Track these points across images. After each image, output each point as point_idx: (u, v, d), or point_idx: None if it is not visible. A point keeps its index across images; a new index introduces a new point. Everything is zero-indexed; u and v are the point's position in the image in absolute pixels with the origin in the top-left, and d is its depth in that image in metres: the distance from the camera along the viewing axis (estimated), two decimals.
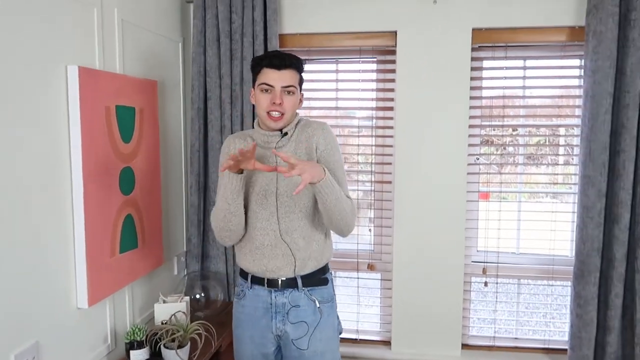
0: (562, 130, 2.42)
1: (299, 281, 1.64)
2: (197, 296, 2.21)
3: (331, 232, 1.72)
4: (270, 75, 1.57)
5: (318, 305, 1.64)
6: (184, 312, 1.87)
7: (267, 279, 1.64)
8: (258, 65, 1.60)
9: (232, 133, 2.30)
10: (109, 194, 1.70)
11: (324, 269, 1.70)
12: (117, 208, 1.75)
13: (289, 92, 1.58)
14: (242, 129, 2.30)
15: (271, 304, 1.65)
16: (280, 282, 1.64)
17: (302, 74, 1.65)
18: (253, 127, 1.71)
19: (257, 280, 1.66)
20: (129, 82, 1.83)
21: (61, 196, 1.52)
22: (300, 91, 1.66)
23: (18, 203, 1.35)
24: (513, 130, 2.41)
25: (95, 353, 1.70)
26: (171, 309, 1.87)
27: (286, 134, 1.64)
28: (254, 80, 1.63)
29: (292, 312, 1.64)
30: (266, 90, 1.57)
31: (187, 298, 1.99)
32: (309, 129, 1.65)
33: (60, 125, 1.51)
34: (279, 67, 1.56)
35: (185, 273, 2.38)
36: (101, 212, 1.65)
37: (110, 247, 1.71)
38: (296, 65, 1.60)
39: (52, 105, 1.47)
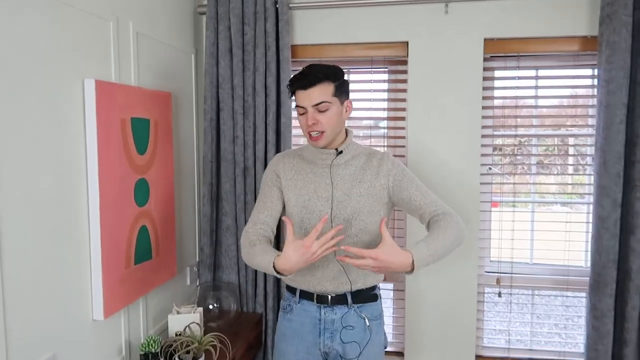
0: (573, 140, 2.41)
1: (349, 298, 1.61)
2: (210, 307, 2.21)
3: None
4: (300, 97, 1.55)
5: (368, 323, 1.62)
6: (197, 323, 1.87)
7: (317, 294, 1.63)
8: (290, 89, 1.59)
9: (244, 144, 2.31)
10: (125, 206, 1.71)
11: (375, 285, 1.69)
12: (133, 219, 1.76)
13: (321, 110, 1.53)
14: (254, 140, 2.30)
15: (320, 320, 1.63)
16: (330, 298, 1.62)
17: (341, 82, 1.57)
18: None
19: (305, 295, 1.65)
20: (144, 94, 1.84)
21: (78, 208, 1.53)
22: (344, 99, 1.60)
23: (35, 215, 1.36)
24: (524, 140, 2.40)
25: None
26: (185, 320, 1.87)
27: (341, 152, 1.63)
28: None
29: (343, 332, 1.61)
30: (302, 113, 1.57)
31: (201, 309, 1.99)
32: (374, 159, 1.65)
33: (77, 138, 1.52)
34: (305, 87, 1.53)
35: (198, 284, 2.38)
36: (117, 224, 1.66)
37: (125, 258, 1.71)
38: (326, 77, 1.53)
39: (69, 118, 1.49)
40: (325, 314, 1.62)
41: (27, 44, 1.32)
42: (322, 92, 1.52)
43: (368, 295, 1.65)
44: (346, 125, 1.73)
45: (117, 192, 1.66)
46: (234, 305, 2.28)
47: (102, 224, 1.57)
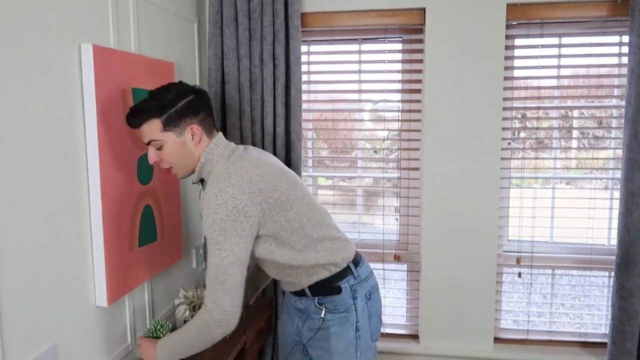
0: (598, 113, 2.29)
1: (307, 291, 1.56)
2: None
3: (316, 238, 1.52)
4: (138, 133, 1.46)
5: (323, 315, 1.52)
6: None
7: None
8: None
9: (251, 119, 2.18)
10: (127, 184, 1.58)
11: (336, 277, 1.53)
12: (136, 198, 1.64)
13: (157, 147, 1.43)
14: (262, 114, 2.17)
15: (294, 307, 1.66)
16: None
17: (169, 114, 1.39)
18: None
19: None
20: (145, 63, 1.70)
21: (77, 186, 1.40)
22: (184, 127, 1.40)
23: (30, 195, 1.23)
24: (546, 113, 2.27)
25: (115, 354, 1.59)
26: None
27: (200, 183, 1.53)
28: None
29: (308, 320, 1.59)
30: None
31: None
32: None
33: (74, 109, 1.38)
34: (133, 127, 1.45)
35: (204, 267, 2.27)
36: (119, 203, 1.54)
37: (129, 240, 1.59)
38: (151, 115, 1.38)
39: (65, 87, 1.35)
40: (295, 302, 1.63)
41: (18, 4, 1.17)
42: (149, 131, 1.41)
43: (328, 288, 1.53)
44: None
45: (119, 168, 1.53)
46: (251, 298, 2.17)
47: (103, 204, 1.44)
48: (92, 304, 1.47)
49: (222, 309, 1.34)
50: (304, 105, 2.32)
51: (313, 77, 2.39)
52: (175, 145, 1.42)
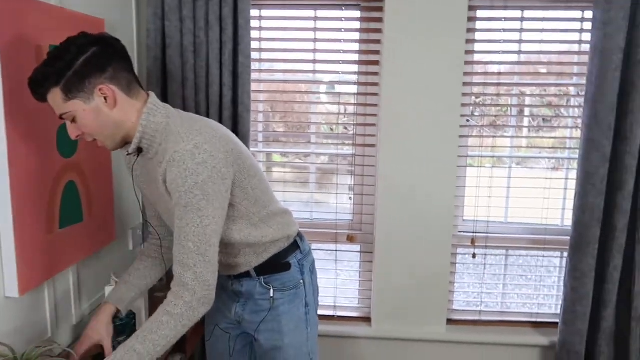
0: (560, 91, 2.23)
1: (252, 272, 1.41)
2: None
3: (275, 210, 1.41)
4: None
5: (272, 294, 1.40)
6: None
7: None
8: None
9: (195, 87, 1.98)
10: (44, 157, 1.37)
11: (284, 254, 1.42)
12: (55, 174, 1.43)
13: (70, 120, 1.18)
14: (207, 82, 1.98)
15: (230, 291, 1.48)
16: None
17: (67, 80, 1.12)
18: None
19: None
20: (68, 17, 1.48)
21: None
22: (92, 91, 1.14)
23: None
24: (507, 91, 2.19)
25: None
26: None
27: (137, 154, 1.27)
28: None
29: (250, 303, 1.44)
30: None
31: None
32: (159, 148, 1.23)
33: None
34: (40, 101, 1.17)
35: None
36: (34, 179, 1.33)
37: (46, 221, 1.39)
38: (49, 84, 1.12)
39: None
40: (233, 285, 1.46)
41: None
42: (54, 103, 1.16)
43: (277, 265, 1.42)
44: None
45: (33, 139, 1.32)
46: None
47: (12, 180, 1.23)
48: (1, 294, 1.27)
49: (206, 283, 1.18)
50: (255, 75, 2.14)
51: (265, 45, 2.20)
52: (87, 114, 1.16)
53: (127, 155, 1.29)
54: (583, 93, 2.00)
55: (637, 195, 1.93)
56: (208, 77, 1.97)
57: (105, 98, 1.16)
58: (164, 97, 2.02)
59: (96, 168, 1.65)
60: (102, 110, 1.17)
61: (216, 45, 1.94)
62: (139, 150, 1.26)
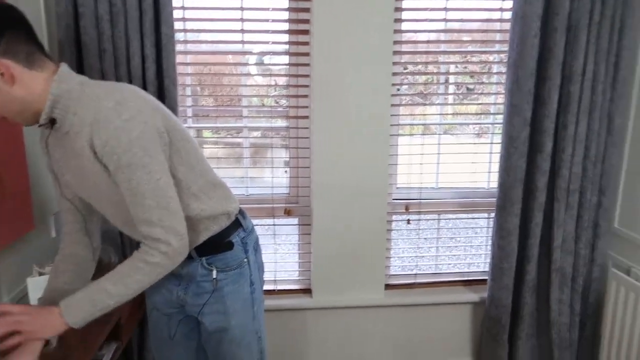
0: (484, 58, 2.31)
1: (193, 252, 1.34)
2: None
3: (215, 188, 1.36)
4: None
5: (215, 275, 1.35)
6: None
7: None
8: None
9: (114, 59, 1.85)
10: None
11: (227, 232, 1.37)
12: None
13: None
14: (127, 55, 1.85)
15: (172, 274, 1.35)
16: None
17: None
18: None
19: None
20: None
21: None
22: None
23: None
24: (434, 58, 2.24)
25: None
26: None
27: (50, 126, 1.16)
28: None
29: (193, 285, 1.37)
30: None
31: None
32: (74, 118, 1.12)
33: None
34: None
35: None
36: None
37: None
38: None
39: None
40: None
41: None
42: None
43: (219, 245, 1.37)
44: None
45: None
46: (115, 257, 1.91)
47: None
48: None
49: (177, 234, 1.16)
50: (180, 47, 2.03)
51: (189, 15, 2.09)
52: None
53: (39, 127, 1.18)
54: (506, 60, 2.08)
55: (554, 156, 2.06)
56: (128, 49, 1.84)
57: (1, 74, 1.05)
58: (80, 69, 1.87)
59: (8, 151, 1.51)
60: (0, 89, 1.06)
61: (135, 14, 1.80)
62: (52, 122, 1.15)
